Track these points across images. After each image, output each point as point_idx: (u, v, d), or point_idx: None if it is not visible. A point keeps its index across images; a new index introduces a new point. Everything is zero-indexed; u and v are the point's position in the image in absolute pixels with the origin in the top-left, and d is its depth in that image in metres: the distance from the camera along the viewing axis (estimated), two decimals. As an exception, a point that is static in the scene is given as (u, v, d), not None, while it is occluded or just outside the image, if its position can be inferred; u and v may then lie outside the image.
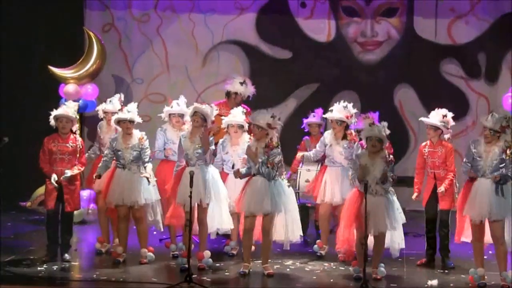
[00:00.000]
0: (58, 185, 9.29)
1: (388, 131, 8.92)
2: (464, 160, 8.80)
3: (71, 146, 9.42)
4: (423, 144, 9.63)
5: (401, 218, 9.05)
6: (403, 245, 9.23)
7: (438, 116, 9.45)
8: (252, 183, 8.97)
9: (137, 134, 9.51)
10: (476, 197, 8.59)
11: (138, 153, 9.43)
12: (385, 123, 8.92)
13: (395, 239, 9.13)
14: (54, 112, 9.43)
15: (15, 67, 12.75)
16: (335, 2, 13.36)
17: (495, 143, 8.59)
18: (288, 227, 9.13)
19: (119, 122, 9.49)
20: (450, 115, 9.53)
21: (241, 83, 10.93)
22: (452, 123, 9.59)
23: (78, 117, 9.71)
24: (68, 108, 9.50)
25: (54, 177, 9.30)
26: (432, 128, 9.46)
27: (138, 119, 9.49)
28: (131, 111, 9.45)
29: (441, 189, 9.30)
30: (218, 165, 9.75)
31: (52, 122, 9.44)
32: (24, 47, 12.72)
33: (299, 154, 10.35)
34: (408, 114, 13.31)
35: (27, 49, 12.72)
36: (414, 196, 9.57)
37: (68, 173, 9.33)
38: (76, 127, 9.63)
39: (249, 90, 10.90)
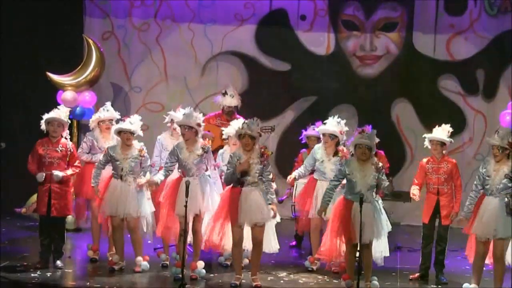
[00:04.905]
0: (43, 184, 9.23)
1: (377, 139, 8.86)
2: (475, 182, 8.80)
3: (60, 151, 9.37)
4: (425, 160, 9.50)
5: (387, 226, 8.98)
6: (387, 253, 9.21)
7: (445, 132, 9.43)
8: (246, 195, 8.77)
9: (136, 145, 9.39)
10: (484, 216, 8.62)
11: (137, 165, 9.34)
12: (374, 130, 8.81)
13: (378, 248, 9.09)
14: (46, 116, 9.40)
15: (13, 73, 12.74)
16: (335, 15, 13.39)
17: (504, 162, 8.64)
18: (270, 237, 9.05)
19: (119, 132, 9.38)
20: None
21: (223, 94, 10.94)
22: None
23: (69, 122, 9.65)
24: (61, 112, 9.45)
25: (41, 175, 9.25)
26: (439, 144, 9.42)
27: (139, 132, 9.38)
28: (134, 123, 9.37)
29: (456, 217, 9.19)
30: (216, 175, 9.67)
31: (43, 126, 9.40)
32: (23, 53, 12.71)
33: (291, 177, 9.89)
34: (405, 129, 13.31)
35: (26, 55, 12.71)
36: (415, 197, 9.39)
37: (60, 174, 9.28)
38: (67, 132, 9.54)
39: (230, 101, 10.82)
